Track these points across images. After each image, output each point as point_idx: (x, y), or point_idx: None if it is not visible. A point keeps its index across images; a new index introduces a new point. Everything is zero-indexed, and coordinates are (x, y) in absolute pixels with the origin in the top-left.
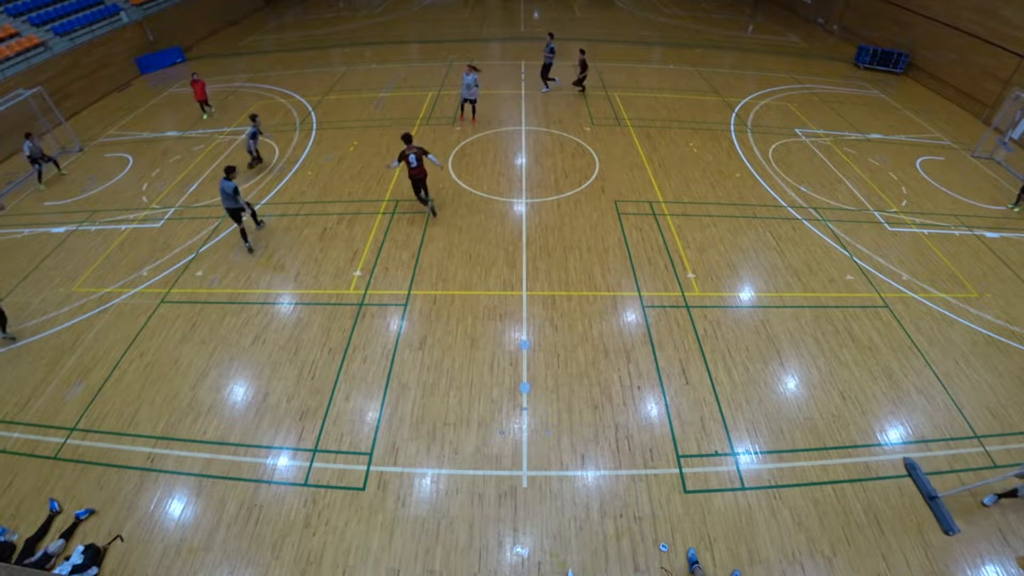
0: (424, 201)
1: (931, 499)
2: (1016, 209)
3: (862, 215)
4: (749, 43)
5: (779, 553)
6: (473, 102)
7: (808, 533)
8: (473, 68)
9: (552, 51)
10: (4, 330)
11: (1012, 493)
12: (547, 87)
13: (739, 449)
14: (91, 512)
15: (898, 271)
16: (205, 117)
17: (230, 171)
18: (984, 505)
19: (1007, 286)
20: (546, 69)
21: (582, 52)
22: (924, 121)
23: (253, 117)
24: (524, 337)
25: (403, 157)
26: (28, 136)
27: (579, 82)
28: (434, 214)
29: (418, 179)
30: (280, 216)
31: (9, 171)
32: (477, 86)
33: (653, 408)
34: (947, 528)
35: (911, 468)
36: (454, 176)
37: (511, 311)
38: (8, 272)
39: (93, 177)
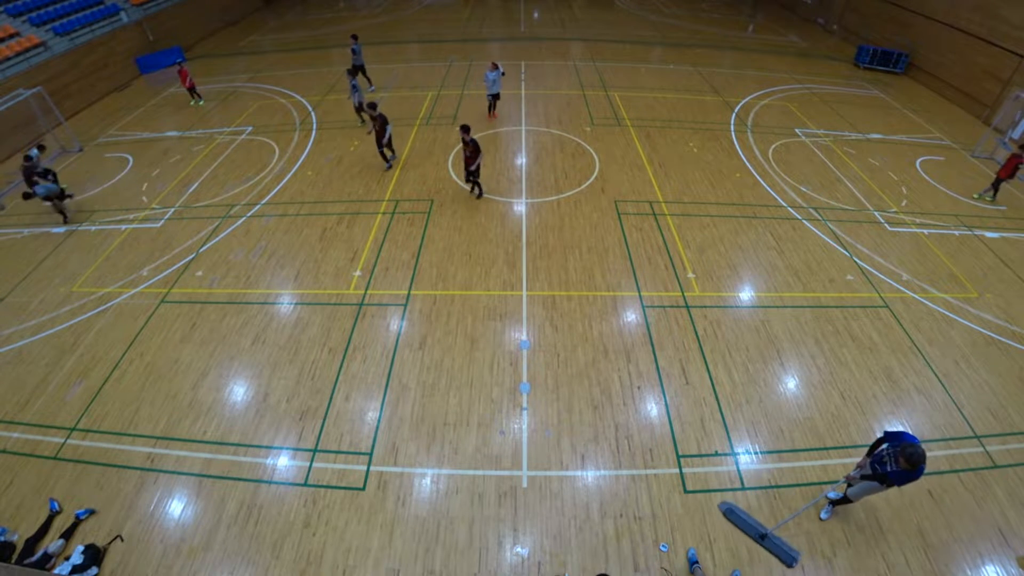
0: None
1: (762, 538)
2: (976, 196)
3: (862, 215)
4: (749, 43)
5: None
6: (496, 96)
7: (808, 533)
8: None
9: (355, 52)
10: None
11: (845, 500)
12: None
13: (739, 449)
14: (91, 512)
15: (898, 271)
16: (193, 104)
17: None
18: (822, 519)
19: (1007, 286)
20: (357, 70)
21: (465, 130)
22: (924, 121)
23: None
24: (524, 337)
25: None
26: (41, 148)
27: (471, 176)
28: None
29: None
30: (280, 216)
31: (9, 171)
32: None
33: (653, 408)
34: (788, 560)
35: (729, 513)
36: (454, 176)
37: (511, 311)
38: (8, 272)
39: (93, 177)
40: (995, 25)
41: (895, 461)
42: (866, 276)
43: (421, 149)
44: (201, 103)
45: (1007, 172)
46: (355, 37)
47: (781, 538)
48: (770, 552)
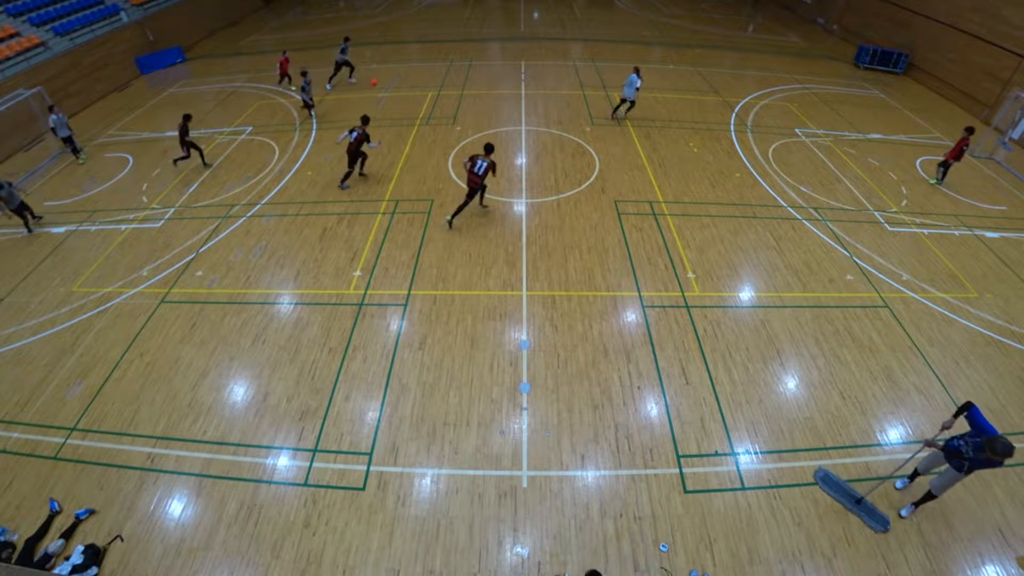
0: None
1: (857, 502)
2: (933, 180)
3: (862, 215)
4: (749, 43)
5: (779, 553)
6: (632, 103)
7: (808, 533)
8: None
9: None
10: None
11: (929, 497)
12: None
13: (739, 449)
14: (91, 512)
15: (898, 271)
16: (286, 87)
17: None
18: (897, 489)
19: (1007, 286)
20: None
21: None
22: (924, 121)
23: (304, 73)
24: (524, 337)
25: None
26: (52, 109)
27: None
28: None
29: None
30: (280, 216)
31: (9, 171)
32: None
33: (653, 408)
34: (881, 525)
35: (823, 481)
36: (454, 176)
37: (511, 311)
38: (8, 272)
39: (93, 177)
40: (995, 25)
41: (979, 451)
42: (866, 276)
43: (421, 149)
44: (293, 88)
45: (954, 154)
46: (282, 51)
47: (873, 504)
48: (861, 518)
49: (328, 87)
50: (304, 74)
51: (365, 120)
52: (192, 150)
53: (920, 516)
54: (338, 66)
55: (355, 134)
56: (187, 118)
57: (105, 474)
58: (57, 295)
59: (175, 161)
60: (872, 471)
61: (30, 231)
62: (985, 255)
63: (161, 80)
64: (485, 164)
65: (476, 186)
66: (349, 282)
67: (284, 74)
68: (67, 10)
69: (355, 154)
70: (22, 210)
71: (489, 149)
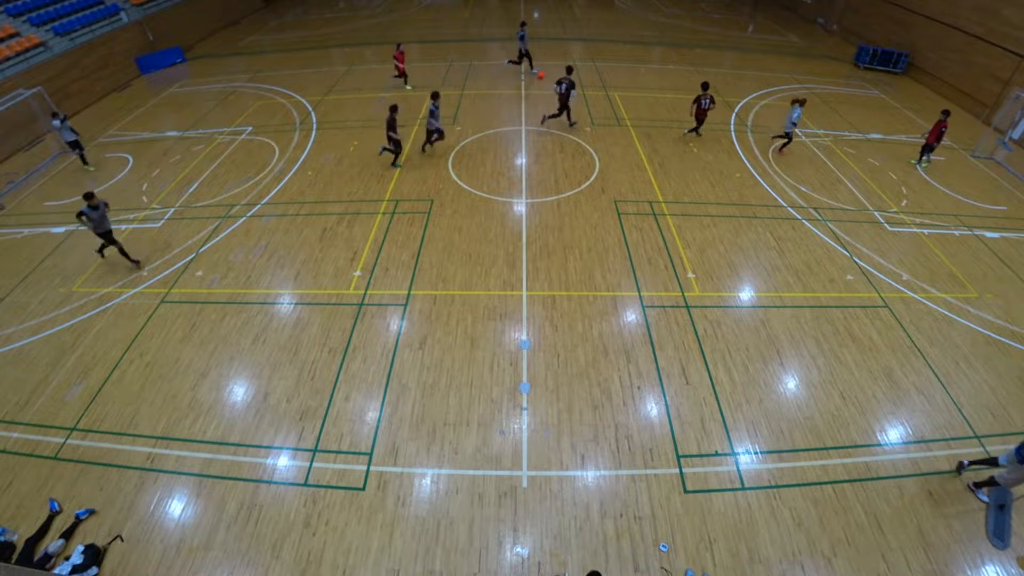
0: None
1: (1000, 508)
2: (924, 164)
3: (862, 215)
4: (749, 43)
5: (779, 553)
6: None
7: (808, 533)
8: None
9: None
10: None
11: (991, 481)
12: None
13: (739, 449)
14: (91, 512)
15: (898, 271)
16: (408, 88)
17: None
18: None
19: (1007, 286)
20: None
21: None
22: (924, 121)
23: (434, 95)
24: (524, 337)
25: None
26: (55, 115)
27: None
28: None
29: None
30: (280, 216)
31: (9, 171)
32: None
33: (653, 408)
34: (999, 541)
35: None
36: (454, 176)
37: (511, 311)
38: (8, 272)
39: (93, 177)
40: (995, 25)
41: None
42: (866, 276)
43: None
44: (408, 88)
45: (933, 137)
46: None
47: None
48: (988, 521)
49: (533, 71)
50: (435, 96)
51: (569, 70)
52: (396, 144)
53: (921, 515)
54: (522, 53)
55: (563, 85)
56: (394, 109)
57: (105, 474)
58: (57, 295)
59: (382, 150)
60: (872, 471)
61: (103, 256)
62: (985, 255)
63: (161, 80)
64: (707, 101)
65: (704, 117)
66: (349, 282)
67: (402, 73)
68: (67, 10)
69: (564, 103)
70: (109, 236)
71: (705, 87)
